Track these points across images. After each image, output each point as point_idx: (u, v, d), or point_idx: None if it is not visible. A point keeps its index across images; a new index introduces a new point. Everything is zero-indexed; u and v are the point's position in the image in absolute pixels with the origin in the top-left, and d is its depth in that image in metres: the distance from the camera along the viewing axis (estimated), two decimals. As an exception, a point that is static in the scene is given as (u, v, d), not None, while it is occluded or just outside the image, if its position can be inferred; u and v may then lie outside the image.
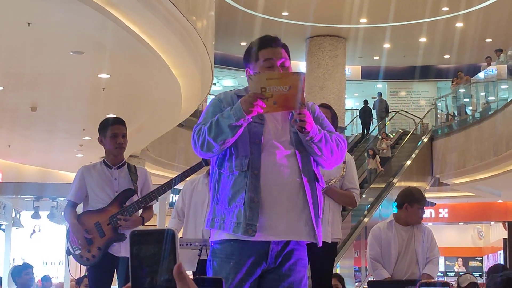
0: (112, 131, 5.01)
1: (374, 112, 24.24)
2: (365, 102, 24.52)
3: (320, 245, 3.15)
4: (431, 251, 5.52)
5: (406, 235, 5.49)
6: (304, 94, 2.95)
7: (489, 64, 20.14)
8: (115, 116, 5.24)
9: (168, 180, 5.18)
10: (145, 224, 5.18)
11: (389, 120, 23.82)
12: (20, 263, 9.28)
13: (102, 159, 5.19)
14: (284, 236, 3.10)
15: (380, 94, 24.93)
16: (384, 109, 24.06)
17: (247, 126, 3.07)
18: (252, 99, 2.94)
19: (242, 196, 3.07)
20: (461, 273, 12.09)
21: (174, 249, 1.22)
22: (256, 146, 3.11)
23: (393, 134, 22.44)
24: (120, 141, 5.02)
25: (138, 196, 5.04)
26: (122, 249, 4.96)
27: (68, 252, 5.07)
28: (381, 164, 18.57)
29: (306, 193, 3.12)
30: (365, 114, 24.01)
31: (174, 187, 5.27)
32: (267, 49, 3.22)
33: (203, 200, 5.43)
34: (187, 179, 5.50)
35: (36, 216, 11.55)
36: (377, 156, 18.58)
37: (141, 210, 5.14)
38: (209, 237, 5.07)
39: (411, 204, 5.49)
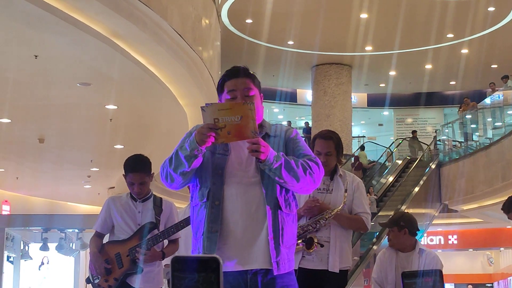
0: (129, 179, 5.00)
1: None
2: (413, 132, 24.61)
3: (276, 273, 3.07)
4: None
5: (404, 261, 5.41)
6: (255, 123, 2.94)
7: (493, 90, 20.13)
8: (137, 159, 5.03)
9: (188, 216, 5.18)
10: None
11: (396, 147, 23.78)
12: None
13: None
14: (249, 266, 3.07)
15: None
16: None
17: (211, 158, 3.14)
18: (205, 130, 3.00)
19: (202, 226, 3.10)
20: None
21: (218, 278, 1.17)
22: (219, 177, 3.13)
23: (400, 162, 22.33)
24: (137, 190, 5.02)
25: (158, 230, 5.05)
26: (139, 281, 4.97)
27: (87, 281, 5.15)
28: None
29: (268, 221, 3.08)
30: (414, 143, 24.11)
31: None
32: (231, 80, 3.25)
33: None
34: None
35: (44, 248, 11.53)
36: None
37: (166, 243, 5.16)
38: None
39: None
